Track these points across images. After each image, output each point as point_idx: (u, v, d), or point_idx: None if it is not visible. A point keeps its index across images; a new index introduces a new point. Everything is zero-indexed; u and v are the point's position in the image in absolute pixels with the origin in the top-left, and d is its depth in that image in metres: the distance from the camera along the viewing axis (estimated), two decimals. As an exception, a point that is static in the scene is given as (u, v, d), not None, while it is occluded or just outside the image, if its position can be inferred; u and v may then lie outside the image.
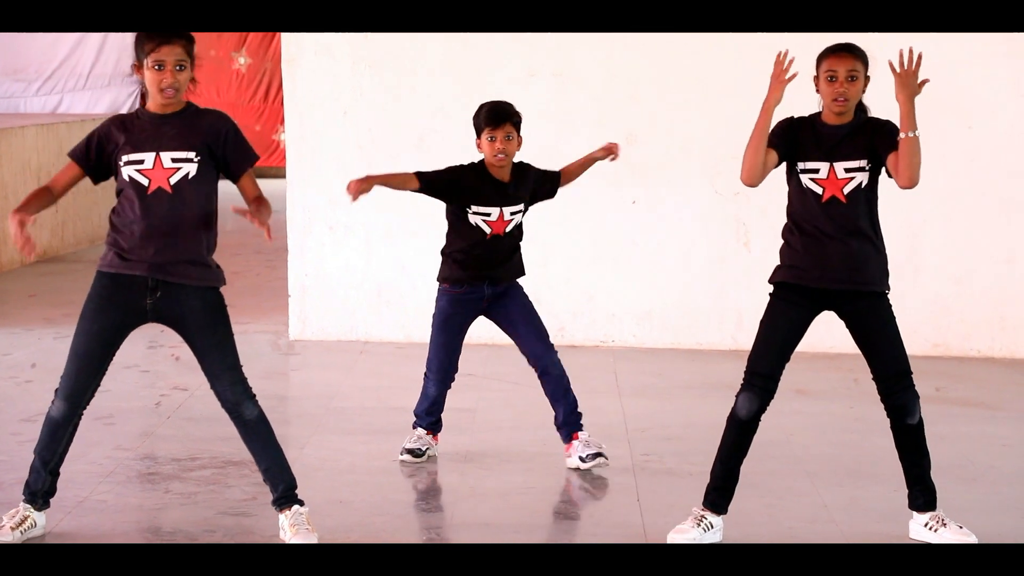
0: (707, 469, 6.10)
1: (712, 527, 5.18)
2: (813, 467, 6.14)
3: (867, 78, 5.12)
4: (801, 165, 5.08)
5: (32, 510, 5.12)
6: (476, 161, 6.10)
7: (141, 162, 4.90)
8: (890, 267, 8.93)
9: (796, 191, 5.11)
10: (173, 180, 4.91)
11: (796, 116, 5.19)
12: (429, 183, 6.05)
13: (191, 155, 4.93)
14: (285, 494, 5.14)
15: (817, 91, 5.16)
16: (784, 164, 5.13)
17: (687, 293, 8.72)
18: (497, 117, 6.00)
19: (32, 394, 7.19)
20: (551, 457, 6.21)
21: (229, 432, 6.56)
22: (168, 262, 4.96)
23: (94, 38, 17.12)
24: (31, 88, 16.78)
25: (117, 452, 6.30)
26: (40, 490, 5.12)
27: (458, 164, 6.15)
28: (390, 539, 5.24)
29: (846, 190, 5.05)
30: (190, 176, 4.93)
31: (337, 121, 8.88)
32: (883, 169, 5.08)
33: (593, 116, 8.82)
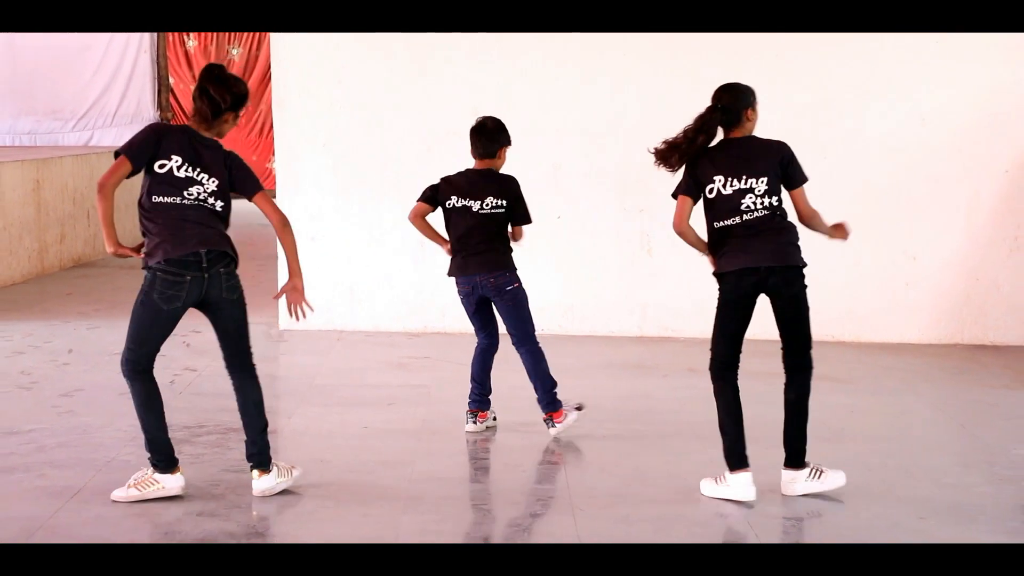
0: (616, 431, 6.14)
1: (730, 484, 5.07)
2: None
3: (740, 112, 5.15)
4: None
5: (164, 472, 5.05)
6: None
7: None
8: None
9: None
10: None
11: (699, 144, 5.13)
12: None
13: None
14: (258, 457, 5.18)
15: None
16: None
17: (601, 291, 8.76)
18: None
19: (69, 374, 7.12)
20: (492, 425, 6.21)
21: (230, 404, 6.53)
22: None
23: (119, 83, 16.96)
24: (67, 125, 16.60)
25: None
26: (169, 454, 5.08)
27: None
28: (363, 491, 5.22)
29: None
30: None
31: (317, 152, 8.84)
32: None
33: (526, 149, 8.82)
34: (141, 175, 4.91)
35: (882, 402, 6.99)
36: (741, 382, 5.18)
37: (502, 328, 6.04)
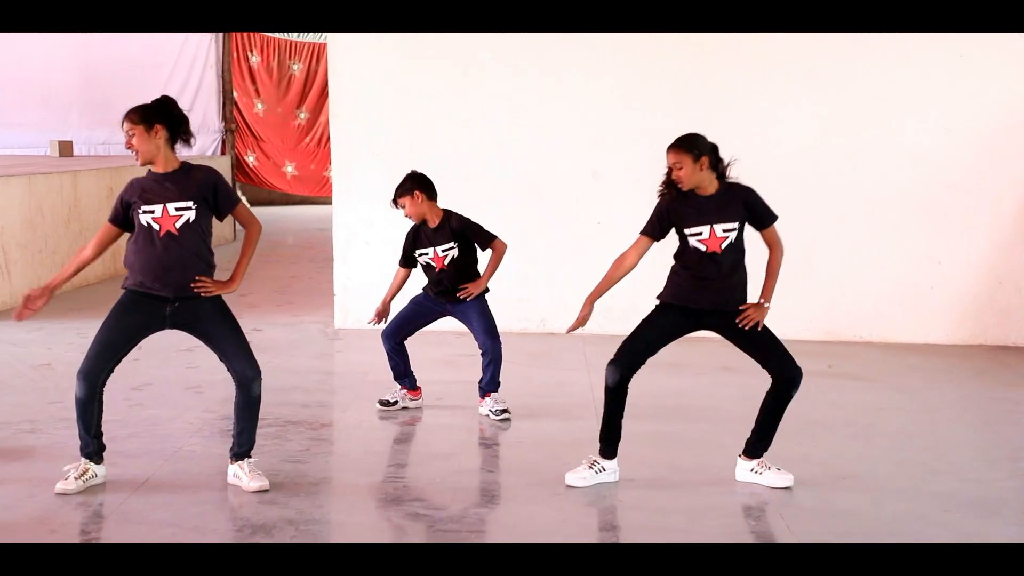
0: (657, 428, 6.11)
1: (604, 470, 5.12)
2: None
3: (701, 161, 4.99)
4: (687, 231, 5.01)
5: (91, 463, 5.00)
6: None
7: (153, 212, 4.84)
8: (791, 273, 8.98)
9: (684, 246, 5.05)
10: (178, 224, 4.85)
11: (672, 195, 5.05)
12: (407, 260, 6.31)
13: (190, 204, 4.87)
14: (247, 450, 5.06)
15: None
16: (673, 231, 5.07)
17: (638, 292, 8.69)
18: (394, 196, 6.19)
19: (139, 370, 7.18)
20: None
21: (289, 399, 6.59)
22: (181, 282, 4.88)
23: (187, 97, 17.09)
24: (138, 136, 16.75)
25: (204, 414, 6.28)
26: (91, 451, 5.00)
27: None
28: (414, 482, 5.22)
29: (723, 245, 4.99)
30: (191, 220, 4.86)
31: (371, 160, 8.87)
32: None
33: (565, 158, 8.82)
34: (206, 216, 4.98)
35: (908, 400, 6.90)
36: (755, 379, 5.10)
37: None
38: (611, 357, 5.06)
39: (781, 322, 8.77)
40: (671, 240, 5.13)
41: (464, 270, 6.20)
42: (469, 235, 6.18)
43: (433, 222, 6.16)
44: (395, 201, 6.20)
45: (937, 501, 4.97)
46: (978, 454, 5.78)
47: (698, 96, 8.62)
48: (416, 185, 6.14)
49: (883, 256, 8.61)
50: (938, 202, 8.51)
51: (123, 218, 4.94)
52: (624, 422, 5.13)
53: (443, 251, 6.14)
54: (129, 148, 4.90)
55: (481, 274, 6.23)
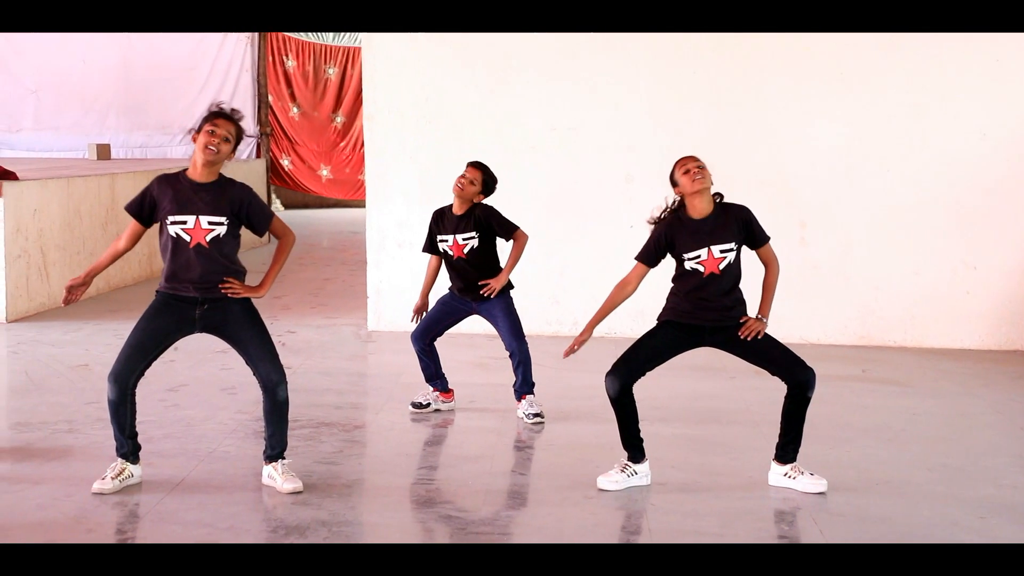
0: (689, 431, 6.09)
1: (636, 473, 5.11)
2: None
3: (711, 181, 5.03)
4: (686, 256, 5.01)
5: (127, 464, 5.02)
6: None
7: (184, 223, 4.84)
8: (826, 278, 8.91)
9: (682, 270, 5.05)
10: (208, 238, 4.86)
11: (666, 222, 5.07)
12: (432, 246, 6.29)
13: (223, 219, 4.88)
14: (279, 452, 5.08)
15: (677, 193, 5.07)
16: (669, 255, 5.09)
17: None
18: (472, 163, 6.19)
19: (174, 371, 7.23)
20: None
21: (322, 400, 6.62)
22: (210, 285, 4.90)
23: (223, 100, 17.20)
24: (175, 139, 16.89)
25: (238, 415, 6.32)
26: (127, 451, 5.02)
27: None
28: (445, 484, 5.23)
29: (720, 267, 4.98)
30: (221, 235, 4.88)
31: (404, 164, 8.90)
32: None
33: (599, 162, 8.81)
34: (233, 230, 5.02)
35: (942, 405, 6.84)
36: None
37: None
38: (609, 368, 5.05)
39: (814, 326, 8.79)
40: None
41: (483, 263, 6.18)
42: (493, 224, 6.16)
43: (459, 209, 6.16)
44: (473, 168, 6.15)
45: (972, 507, 4.92)
46: (1014, 460, 5.72)
47: (732, 100, 8.59)
48: (486, 176, 6.16)
49: (918, 261, 8.55)
50: (973, 207, 8.44)
51: (147, 215, 4.92)
52: (656, 426, 5.12)
53: (463, 239, 6.13)
54: (211, 146, 4.82)
55: (502, 268, 6.21)
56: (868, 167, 8.56)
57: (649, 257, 5.12)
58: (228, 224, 4.89)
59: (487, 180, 6.17)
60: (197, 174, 4.91)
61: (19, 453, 5.57)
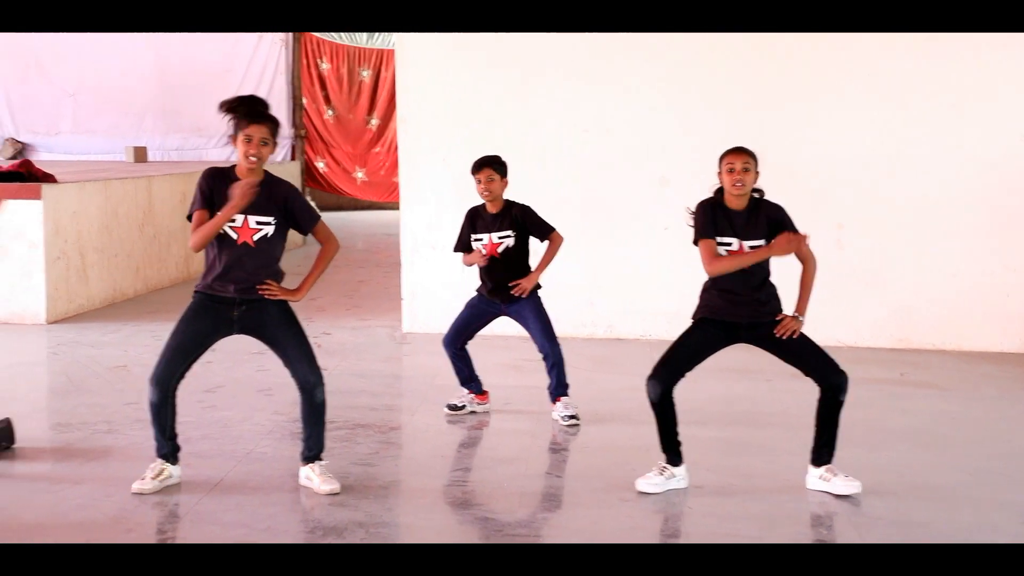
0: (726, 434, 6.07)
1: (675, 476, 5.10)
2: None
3: (757, 172, 5.00)
4: (720, 239, 4.98)
5: (167, 464, 5.05)
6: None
7: (234, 221, 4.84)
8: (864, 280, 8.85)
9: None
10: (256, 237, 4.88)
11: (708, 201, 5.04)
12: (464, 246, 6.25)
13: (271, 219, 4.89)
14: (316, 454, 5.09)
15: (720, 182, 5.05)
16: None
17: (706, 298, 8.65)
18: (478, 165, 6.15)
19: (211, 372, 7.28)
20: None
21: (358, 402, 6.64)
22: (248, 286, 4.91)
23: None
24: (211, 142, 17.02)
25: (275, 416, 6.36)
26: (167, 452, 5.05)
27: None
28: (481, 487, 5.23)
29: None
30: (268, 235, 4.90)
31: (437, 166, 8.92)
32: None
33: (632, 164, 8.79)
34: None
35: (982, 409, 6.78)
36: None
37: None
38: (649, 372, 5.04)
39: (850, 329, 8.74)
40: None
41: (515, 263, 6.18)
42: (529, 224, 6.16)
43: (495, 208, 6.16)
44: (482, 169, 6.11)
45: (1013, 512, 4.87)
46: (1055, 464, 5.66)
47: (765, 101, 8.56)
48: (494, 165, 6.14)
49: (956, 264, 8.48)
50: (1012, 208, 8.36)
51: (212, 208, 4.85)
52: (693, 428, 5.11)
53: (499, 237, 6.12)
54: (252, 156, 4.81)
55: (532, 269, 6.20)
56: (905, 169, 8.50)
57: (708, 229, 4.99)
58: (276, 224, 4.91)
59: (498, 167, 6.13)
60: (243, 175, 4.91)
61: (59, 453, 5.63)
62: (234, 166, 4.97)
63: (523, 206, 6.20)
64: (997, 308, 8.43)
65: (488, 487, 5.17)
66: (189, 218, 4.93)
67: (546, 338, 6.17)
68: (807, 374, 5.03)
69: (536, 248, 6.24)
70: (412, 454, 5.81)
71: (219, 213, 4.81)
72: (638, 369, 7.57)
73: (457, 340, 6.30)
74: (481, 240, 6.16)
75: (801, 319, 5.01)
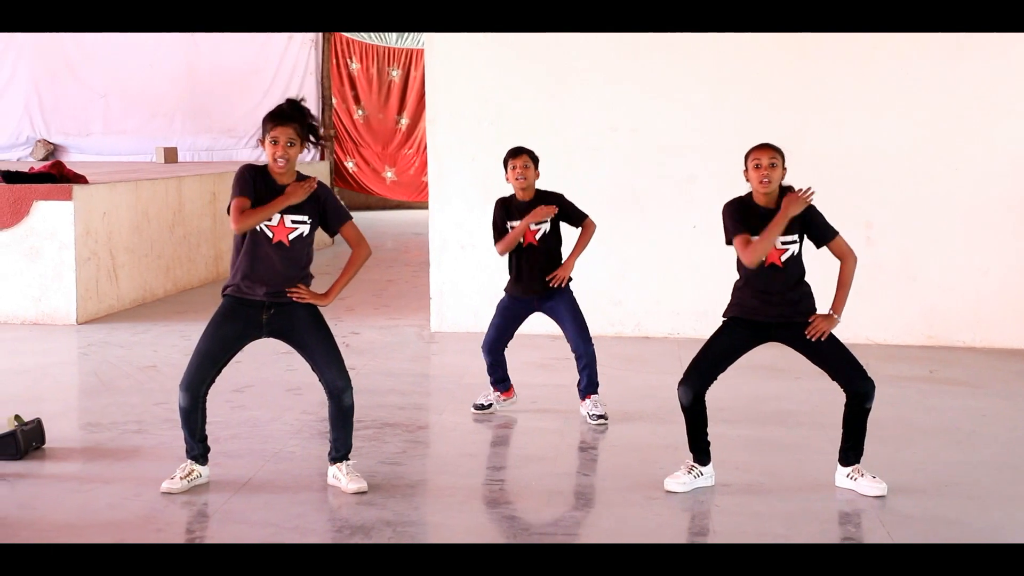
0: (754, 432, 6.05)
1: (702, 475, 5.08)
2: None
3: (784, 168, 4.97)
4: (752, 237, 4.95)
5: (196, 464, 5.08)
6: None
7: (269, 219, 4.85)
8: (894, 278, 8.78)
9: None
10: (291, 236, 4.88)
11: (736, 200, 5.02)
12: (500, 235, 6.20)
13: (306, 218, 4.90)
14: (344, 454, 5.10)
15: (747, 180, 5.02)
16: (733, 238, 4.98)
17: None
18: (514, 152, 6.16)
19: (240, 372, 7.30)
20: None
21: (386, 401, 6.66)
22: (278, 288, 4.91)
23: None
24: (241, 142, 17.10)
25: (303, 416, 6.39)
26: (196, 453, 5.08)
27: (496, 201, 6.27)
28: (510, 485, 5.23)
29: (783, 258, 4.93)
30: (303, 234, 4.91)
31: (466, 166, 8.93)
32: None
33: (660, 163, 8.77)
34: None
35: (1012, 406, 6.72)
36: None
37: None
38: (681, 376, 5.03)
39: (880, 327, 8.68)
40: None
41: (550, 252, 6.16)
42: (562, 211, 6.17)
43: (526, 196, 6.16)
44: (520, 156, 6.11)
45: (1044, 511, 4.83)
46: (1088, 463, 5.61)
47: (797, 99, 8.51)
48: (528, 154, 6.17)
49: (986, 261, 8.41)
50: (1044, 204, 8.28)
51: (254, 196, 4.82)
52: (721, 426, 5.09)
53: (536, 224, 6.13)
54: (279, 158, 4.80)
55: (564, 259, 6.17)
56: (936, 167, 8.43)
57: (740, 225, 4.93)
58: (310, 224, 4.93)
59: (533, 157, 6.17)
60: (275, 174, 4.91)
61: (89, 453, 5.68)
62: (266, 165, 4.98)
63: (555, 193, 6.21)
64: (1029, 305, 8.35)
65: (516, 486, 5.18)
66: (228, 211, 4.91)
67: (581, 337, 6.16)
68: (833, 378, 5.00)
69: (568, 238, 6.22)
70: (440, 453, 5.82)
71: (273, 201, 4.80)
72: (666, 368, 7.58)
73: (497, 346, 6.31)
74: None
75: (837, 317, 4.96)
